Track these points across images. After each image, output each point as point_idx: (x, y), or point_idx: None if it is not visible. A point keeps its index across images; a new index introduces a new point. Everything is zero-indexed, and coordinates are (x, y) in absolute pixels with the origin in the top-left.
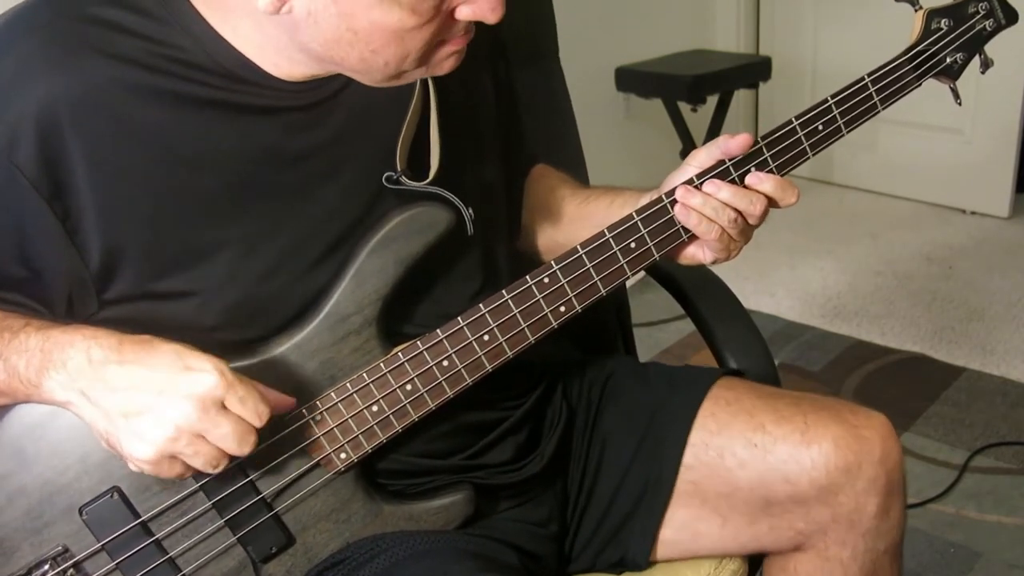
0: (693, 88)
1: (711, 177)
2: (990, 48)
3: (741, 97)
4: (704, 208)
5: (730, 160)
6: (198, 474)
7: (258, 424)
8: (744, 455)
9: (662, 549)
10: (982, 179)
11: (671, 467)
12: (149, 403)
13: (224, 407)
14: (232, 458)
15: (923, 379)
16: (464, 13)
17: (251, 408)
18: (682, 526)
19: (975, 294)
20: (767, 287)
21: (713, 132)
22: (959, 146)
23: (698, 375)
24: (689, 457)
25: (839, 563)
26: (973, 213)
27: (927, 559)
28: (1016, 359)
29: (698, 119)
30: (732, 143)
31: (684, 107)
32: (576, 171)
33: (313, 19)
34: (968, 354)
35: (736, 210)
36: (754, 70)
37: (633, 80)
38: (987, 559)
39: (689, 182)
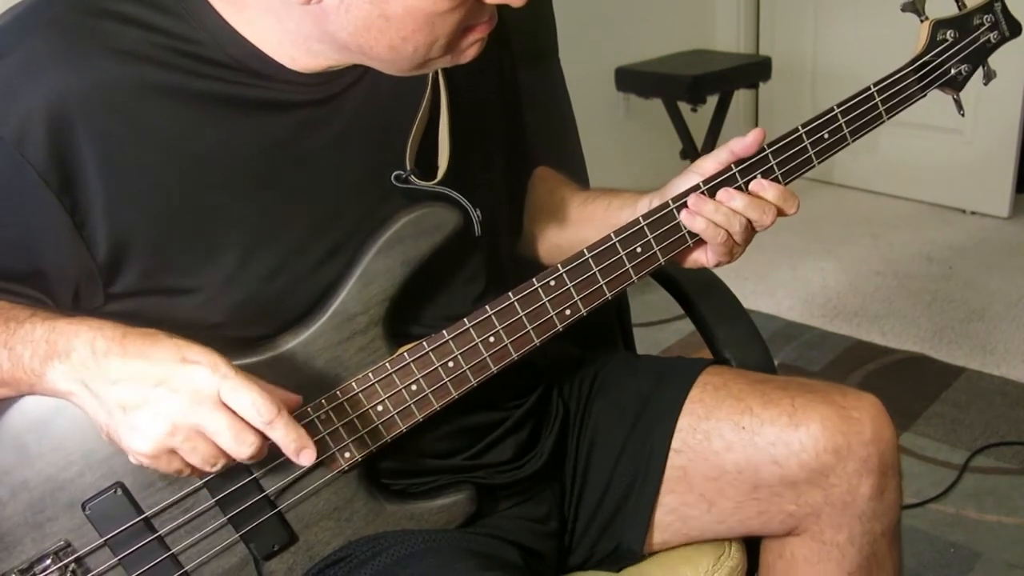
0: (693, 88)
1: (720, 183)
2: (992, 56)
3: (741, 97)
4: (715, 215)
5: (737, 166)
6: (202, 472)
7: (259, 421)
8: (732, 438)
9: (654, 534)
10: (982, 179)
11: (660, 454)
12: (146, 396)
13: (221, 401)
14: (235, 460)
15: (923, 379)
16: None
17: (247, 403)
18: (670, 511)
19: (975, 294)
20: (767, 287)
21: (713, 132)
22: (959, 146)
23: (687, 364)
24: (677, 442)
25: (836, 547)
26: (973, 213)
27: (927, 559)
28: (1016, 359)
29: (698, 119)
30: (741, 144)
31: (684, 107)
32: (576, 172)
33: (345, 7)
34: (968, 354)
35: (747, 219)
36: (754, 70)
37: (633, 80)
38: (987, 559)
39: (696, 188)
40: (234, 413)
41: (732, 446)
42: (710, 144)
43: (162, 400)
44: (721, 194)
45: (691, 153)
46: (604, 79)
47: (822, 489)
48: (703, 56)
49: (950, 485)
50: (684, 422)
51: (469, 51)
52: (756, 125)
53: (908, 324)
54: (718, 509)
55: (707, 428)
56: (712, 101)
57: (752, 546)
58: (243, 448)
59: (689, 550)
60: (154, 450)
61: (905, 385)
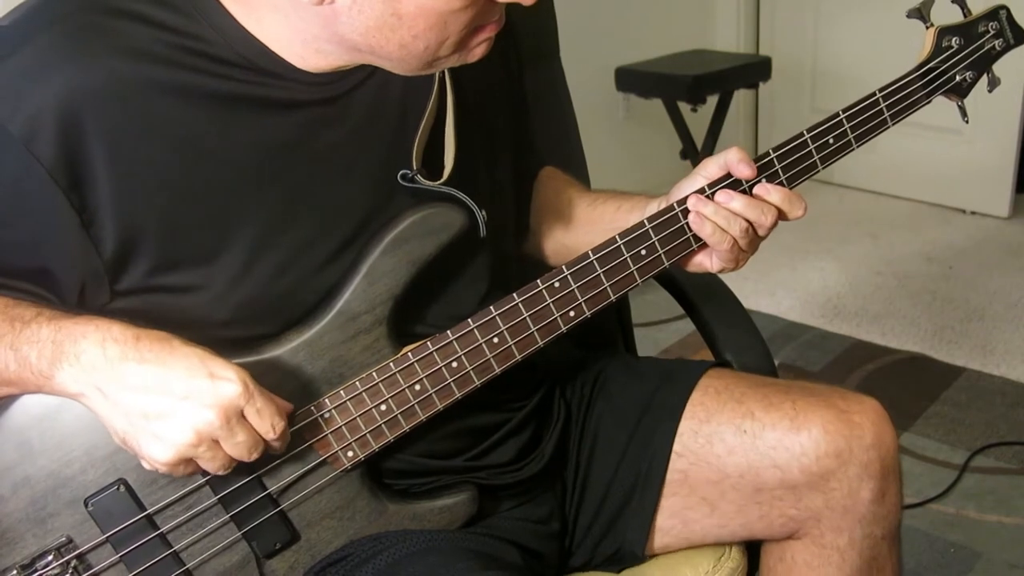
0: (693, 88)
1: (722, 187)
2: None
3: (741, 97)
4: (716, 217)
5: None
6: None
7: (272, 436)
8: (733, 442)
9: (656, 538)
10: (982, 179)
11: (661, 458)
12: (172, 407)
13: (242, 416)
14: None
15: (923, 379)
16: None
17: (267, 420)
18: (672, 514)
19: (975, 294)
20: (767, 287)
21: (713, 132)
22: (959, 146)
23: (688, 367)
24: (678, 446)
25: (836, 550)
26: (973, 213)
27: (927, 559)
28: (1016, 359)
29: (698, 119)
30: (742, 168)
31: (684, 107)
32: (577, 172)
33: (357, 7)
34: (968, 354)
35: (747, 220)
36: (754, 70)
37: (633, 80)
38: (987, 559)
39: (700, 191)
40: (252, 427)
41: (733, 450)
42: (710, 144)
43: (190, 413)
44: (720, 195)
45: (691, 153)
46: (604, 79)
47: (823, 493)
48: (703, 56)
49: (950, 485)
50: (685, 426)
51: (477, 50)
52: (756, 125)
53: (908, 324)
54: (720, 512)
55: (708, 432)
56: (712, 101)
57: (752, 549)
58: (253, 455)
59: (689, 551)
60: (174, 458)
61: (905, 385)
